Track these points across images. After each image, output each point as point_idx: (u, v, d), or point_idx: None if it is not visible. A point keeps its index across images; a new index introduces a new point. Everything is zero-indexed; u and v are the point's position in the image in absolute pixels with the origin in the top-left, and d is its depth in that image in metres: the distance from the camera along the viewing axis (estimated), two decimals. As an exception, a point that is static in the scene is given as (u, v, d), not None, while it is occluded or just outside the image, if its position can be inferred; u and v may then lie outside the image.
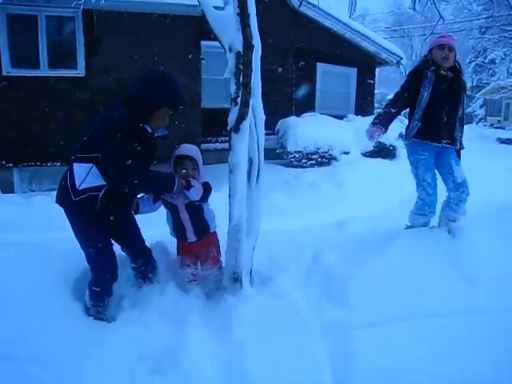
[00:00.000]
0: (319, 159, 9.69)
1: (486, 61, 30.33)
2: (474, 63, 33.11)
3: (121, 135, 2.78)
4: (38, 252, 3.51)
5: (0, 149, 7.40)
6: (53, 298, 3.09)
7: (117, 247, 3.24)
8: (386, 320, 3.04)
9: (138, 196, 3.27)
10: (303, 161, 9.66)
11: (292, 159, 9.69)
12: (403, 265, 3.54)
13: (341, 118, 11.15)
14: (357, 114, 12.01)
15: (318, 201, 7.13)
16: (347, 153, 9.89)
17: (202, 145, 8.44)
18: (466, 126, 4.24)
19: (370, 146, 10.38)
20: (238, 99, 2.98)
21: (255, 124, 3.25)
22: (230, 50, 2.99)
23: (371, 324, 3.01)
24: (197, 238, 3.41)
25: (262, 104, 3.27)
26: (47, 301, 3.05)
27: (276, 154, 9.83)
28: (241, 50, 2.93)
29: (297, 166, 9.57)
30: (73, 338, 2.82)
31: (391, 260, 3.62)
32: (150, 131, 2.97)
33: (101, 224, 3.03)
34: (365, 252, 3.82)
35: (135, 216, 3.34)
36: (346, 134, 10.08)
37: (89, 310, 3.12)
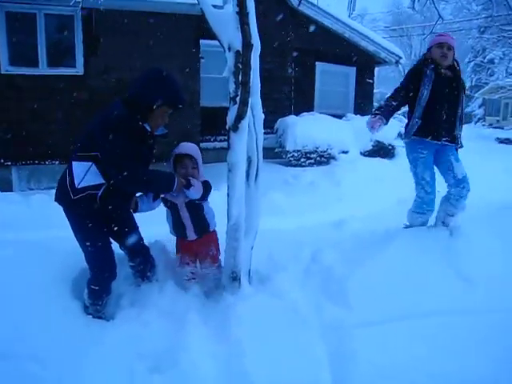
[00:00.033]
0: (318, 158, 9.69)
1: (485, 60, 30.36)
2: (472, 63, 33.15)
3: (120, 134, 2.78)
4: (36, 250, 3.51)
5: (-2, 147, 7.39)
6: (51, 297, 3.10)
7: (115, 246, 3.24)
8: (384, 319, 3.04)
9: (137, 195, 3.27)
10: (302, 160, 9.67)
11: (291, 158, 9.69)
12: (402, 264, 3.54)
13: (340, 117, 11.15)
14: (356, 113, 12.02)
15: (317, 200, 7.13)
16: (346, 152, 9.90)
17: (200, 144, 8.44)
18: (464, 126, 4.24)
19: (368, 145, 10.40)
20: (237, 98, 2.97)
21: (254, 123, 3.24)
22: (229, 48, 2.99)
23: (370, 323, 3.01)
24: (197, 237, 3.42)
25: (260, 103, 3.27)
26: (46, 299, 3.05)
27: (275, 153, 9.83)
28: (240, 49, 2.93)
29: (295, 165, 9.58)
30: (71, 336, 2.82)
31: (390, 259, 3.62)
32: (149, 130, 2.97)
33: (99, 222, 3.03)
34: (363, 251, 3.82)
35: (134, 214, 3.34)
36: (344, 133, 10.09)
37: (87, 308, 3.13)
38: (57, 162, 7.51)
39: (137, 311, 3.10)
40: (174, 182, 3.03)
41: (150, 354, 2.75)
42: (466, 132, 4.24)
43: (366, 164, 9.28)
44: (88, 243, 3.01)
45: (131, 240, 3.29)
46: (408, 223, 4.37)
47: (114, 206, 3.02)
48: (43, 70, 7.61)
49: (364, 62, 12.45)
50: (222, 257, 3.46)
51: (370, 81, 13.05)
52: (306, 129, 9.68)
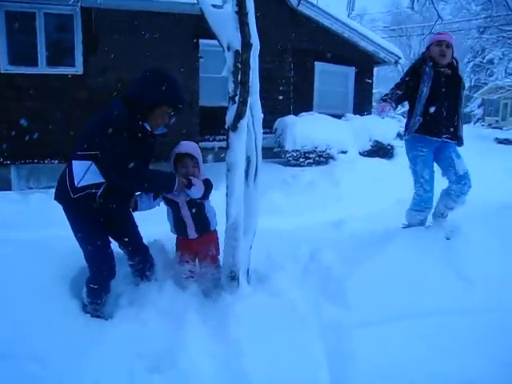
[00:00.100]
0: (317, 158, 9.70)
1: (485, 61, 30.31)
2: (472, 63, 33.12)
3: (120, 134, 2.78)
4: (35, 249, 3.51)
5: (-2, 146, 7.39)
6: (51, 296, 3.09)
7: (114, 245, 3.24)
8: (383, 319, 3.04)
9: (137, 194, 3.27)
10: (301, 160, 9.67)
11: (290, 158, 9.69)
12: (401, 264, 3.54)
13: (339, 117, 11.15)
14: (355, 113, 12.03)
15: (316, 200, 7.14)
16: (345, 152, 9.91)
17: (199, 143, 8.43)
18: (463, 126, 4.25)
19: (367, 145, 10.42)
20: (236, 98, 2.98)
21: (253, 123, 3.25)
22: (229, 48, 2.99)
23: (369, 323, 3.02)
24: (197, 235, 3.42)
25: (259, 103, 3.27)
26: (45, 298, 3.05)
27: (274, 153, 9.83)
28: (239, 49, 2.94)
29: (294, 165, 9.58)
30: (71, 336, 2.82)
31: (389, 259, 3.63)
32: (149, 129, 2.97)
33: (99, 221, 3.03)
34: (362, 251, 3.82)
35: (133, 213, 3.34)
36: (343, 133, 10.09)
37: (86, 307, 3.13)
38: (56, 161, 7.51)
39: (135, 310, 3.10)
40: (175, 182, 3.03)
41: (149, 354, 2.75)
42: (465, 132, 4.24)
43: (365, 164, 9.28)
44: (87, 242, 3.01)
45: (130, 239, 3.30)
46: (407, 222, 4.37)
47: (113, 205, 3.02)
48: (43, 69, 7.60)
49: (363, 61, 12.45)
50: (220, 257, 3.46)
51: (369, 81, 13.05)
52: (305, 129, 9.68)
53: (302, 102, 11.42)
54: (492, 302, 3.20)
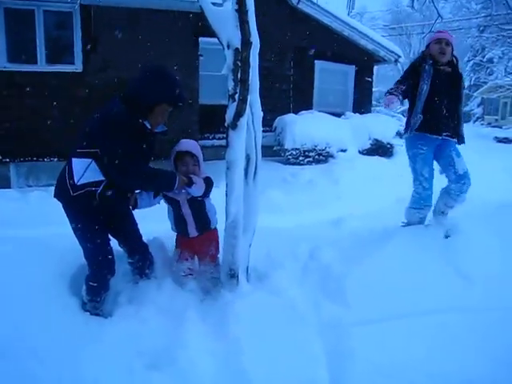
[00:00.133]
0: (316, 157, 9.70)
1: (484, 59, 30.30)
2: (472, 62, 33.13)
3: (120, 132, 2.78)
4: (35, 247, 3.50)
5: (-3, 144, 7.38)
6: (50, 294, 3.09)
7: (114, 242, 3.24)
8: (382, 317, 3.04)
9: (136, 191, 3.27)
10: (300, 158, 9.67)
11: (289, 156, 9.70)
12: (400, 262, 3.55)
13: (338, 115, 11.14)
14: (354, 111, 12.02)
15: (315, 198, 7.14)
16: (344, 150, 9.91)
17: (199, 141, 8.41)
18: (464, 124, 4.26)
19: (367, 143, 10.42)
20: (236, 96, 2.97)
21: (253, 121, 3.24)
22: (228, 46, 2.98)
23: (368, 321, 3.02)
24: (198, 234, 3.42)
25: (259, 101, 3.27)
26: (45, 296, 3.04)
27: (273, 151, 9.83)
28: (239, 47, 2.93)
29: (294, 164, 9.58)
30: (70, 334, 2.82)
31: (388, 257, 3.63)
32: (149, 127, 2.97)
33: (99, 219, 3.03)
34: (362, 249, 3.82)
35: (133, 211, 3.34)
36: (343, 131, 10.10)
37: (85, 305, 3.12)
38: (55, 159, 7.50)
39: (135, 308, 3.09)
40: (175, 180, 3.03)
41: (149, 352, 2.75)
42: (465, 131, 4.25)
43: (365, 162, 9.29)
44: (87, 240, 3.01)
45: (130, 237, 3.30)
46: (406, 221, 4.38)
47: (113, 202, 3.02)
48: (42, 66, 7.60)
49: (363, 60, 12.44)
50: (220, 255, 3.46)
51: (369, 79, 13.04)
52: (304, 127, 9.68)
53: (302, 101, 11.42)
54: (491, 300, 3.20)
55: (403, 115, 18.88)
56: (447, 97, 4.02)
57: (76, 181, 2.88)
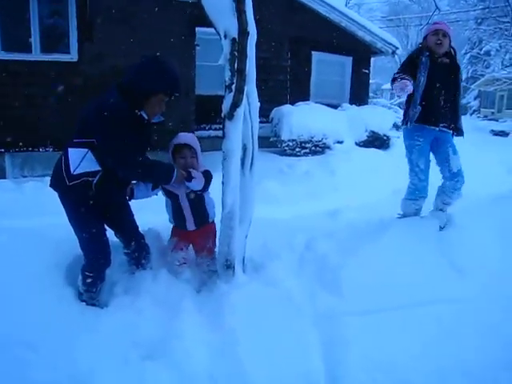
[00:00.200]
0: (313, 148, 9.68)
1: (482, 52, 30.27)
2: (469, 54, 33.07)
3: (116, 122, 2.76)
4: (30, 238, 3.50)
5: (-9, 134, 7.33)
6: (46, 284, 3.09)
7: (110, 233, 3.23)
8: (378, 308, 3.06)
9: (133, 182, 3.26)
10: (297, 149, 9.65)
11: (286, 148, 9.67)
12: (396, 254, 3.56)
13: (335, 106, 11.11)
14: (351, 103, 11.98)
15: (312, 189, 7.14)
16: (341, 142, 9.89)
17: (195, 132, 8.39)
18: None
19: (363, 135, 10.40)
20: (233, 86, 2.96)
21: (249, 111, 3.23)
22: (225, 36, 2.96)
23: (363, 312, 3.03)
24: (196, 228, 3.42)
25: (256, 91, 3.25)
26: (40, 287, 3.04)
27: (270, 143, 9.80)
28: (236, 37, 2.91)
29: (290, 155, 9.56)
30: (66, 324, 2.82)
31: (384, 249, 3.64)
32: (146, 117, 2.95)
33: (95, 209, 3.02)
34: (358, 241, 3.83)
35: (130, 202, 3.33)
36: (340, 123, 10.07)
37: (81, 295, 3.12)
38: (50, 149, 7.47)
39: (131, 299, 3.09)
40: (173, 173, 3.01)
41: (144, 342, 2.75)
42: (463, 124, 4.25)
43: (361, 154, 9.27)
44: (83, 230, 3.00)
45: (126, 227, 3.29)
46: (402, 212, 4.39)
47: (109, 193, 3.01)
48: (36, 55, 7.52)
49: (360, 51, 12.39)
50: (217, 248, 3.46)
51: (366, 71, 12.99)
52: (301, 118, 9.65)
53: (299, 92, 11.37)
54: (486, 292, 3.22)
55: (400, 107, 18.88)
56: (445, 88, 4.02)
57: (72, 170, 2.87)
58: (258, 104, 3.29)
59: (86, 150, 2.87)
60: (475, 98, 36.10)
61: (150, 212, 3.49)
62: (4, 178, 7.37)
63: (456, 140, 4.19)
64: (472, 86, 32.36)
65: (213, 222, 3.54)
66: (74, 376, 2.48)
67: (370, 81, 14.54)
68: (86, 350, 2.63)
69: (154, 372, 2.54)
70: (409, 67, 4.04)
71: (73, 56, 7.71)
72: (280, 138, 9.71)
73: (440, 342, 2.83)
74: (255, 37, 3.06)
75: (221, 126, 3.19)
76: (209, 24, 3.06)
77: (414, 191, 4.22)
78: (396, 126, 11.86)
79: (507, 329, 2.92)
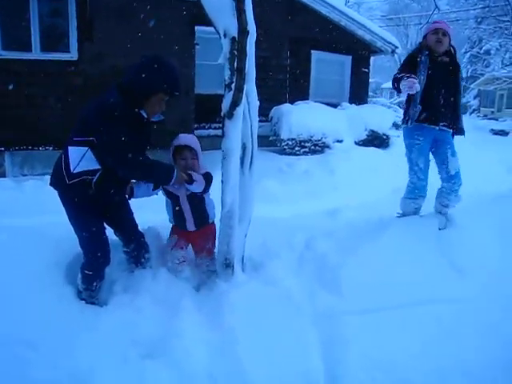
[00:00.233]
0: (312, 147, 9.67)
1: (482, 51, 30.27)
2: (469, 53, 33.07)
3: (116, 121, 2.76)
4: (30, 236, 3.50)
5: (-9, 132, 7.32)
6: (45, 283, 3.09)
7: (110, 231, 3.23)
8: (377, 307, 3.06)
9: (133, 181, 3.26)
10: (296, 148, 9.64)
11: (285, 147, 9.67)
12: (395, 253, 3.56)
13: (335, 106, 11.11)
14: (351, 102, 11.98)
15: (311, 188, 7.14)
16: (340, 141, 9.88)
17: (195, 131, 8.40)
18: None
19: (363, 134, 10.40)
20: (232, 85, 2.96)
21: (249, 110, 3.23)
22: (225, 35, 2.96)
23: (363, 311, 3.03)
24: (196, 229, 3.42)
25: (255, 90, 3.26)
26: (40, 285, 3.04)
27: (269, 142, 9.80)
28: (236, 36, 2.91)
29: (290, 154, 9.55)
30: (66, 322, 2.82)
31: (383, 248, 3.64)
32: (145, 116, 2.95)
33: (94, 208, 3.02)
34: (357, 240, 3.84)
35: (129, 201, 3.33)
36: (339, 122, 10.06)
37: (81, 293, 3.12)
38: (50, 148, 7.45)
39: (130, 297, 3.09)
40: (173, 174, 3.00)
41: (144, 341, 2.75)
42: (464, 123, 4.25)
43: (361, 153, 9.27)
44: (82, 228, 3.00)
45: (126, 226, 3.29)
46: (401, 211, 4.40)
47: (109, 191, 3.01)
48: (36, 54, 7.51)
49: (360, 50, 12.39)
50: (216, 248, 3.46)
51: (366, 70, 12.99)
52: (300, 117, 9.64)
53: (298, 91, 11.38)
54: (486, 292, 3.22)
55: (399, 106, 18.88)
56: (445, 87, 4.02)
57: (72, 169, 2.87)
58: (258, 103, 3.29)
59: (86, 148, 2.86)
60: (475, 97, 36.09)
61: (150, 211, 3.49)
62: (4, 176, 7.37)
63: (456, 139, 4.19)
64: (472, 85, 32.35)
65: (213, 222, 3.54)
66: (74, 374, 2.48)
67: (370, 80, 14.55)
68: (86, 348, 2.64)
69: (154, 370, 2.54)
70: (408, 66, 4.04)
71: (73, 55, 7.70)
72: (279, 137, 9.70)
73: (440, 341, 2.84)
74: (255, 36, 3.07)
75: (220, 125, 3.19)
76: (208, 23, 3.06)
77: (413, 190, 4.23)
78: (395, 125, 11.85)
79: (507, 328, 2.92)
